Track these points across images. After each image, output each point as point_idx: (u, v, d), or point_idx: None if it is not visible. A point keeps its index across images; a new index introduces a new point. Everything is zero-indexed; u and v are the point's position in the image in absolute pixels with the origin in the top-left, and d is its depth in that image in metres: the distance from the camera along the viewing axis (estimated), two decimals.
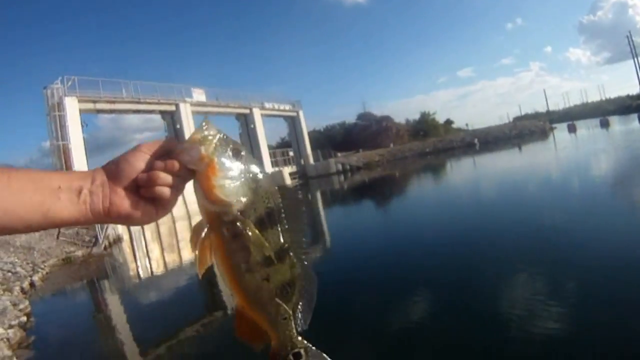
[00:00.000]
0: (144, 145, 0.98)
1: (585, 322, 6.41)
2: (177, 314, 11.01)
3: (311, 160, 54.07)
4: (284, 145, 63.96)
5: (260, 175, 1.03)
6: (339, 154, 56.35)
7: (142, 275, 17.44)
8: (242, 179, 0.99)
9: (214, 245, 1.00)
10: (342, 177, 47.30)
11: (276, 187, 1.05)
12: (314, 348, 1.10)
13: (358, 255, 12.14)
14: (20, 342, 10.38)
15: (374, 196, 29.62)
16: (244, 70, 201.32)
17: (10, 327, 11.11)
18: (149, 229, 24.96)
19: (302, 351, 1.09)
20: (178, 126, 40.77)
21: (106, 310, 13.17)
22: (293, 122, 56.37)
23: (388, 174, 44.72)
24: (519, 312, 7.07)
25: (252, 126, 48.29)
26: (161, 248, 22.08)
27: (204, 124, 1.00)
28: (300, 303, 1.10)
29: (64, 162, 30.25)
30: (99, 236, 22.46)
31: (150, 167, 0.94)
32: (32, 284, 16.22)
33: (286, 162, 53.17)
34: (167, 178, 0.93)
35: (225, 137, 1.00)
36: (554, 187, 18.63)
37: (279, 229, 1.03)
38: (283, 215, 1.03)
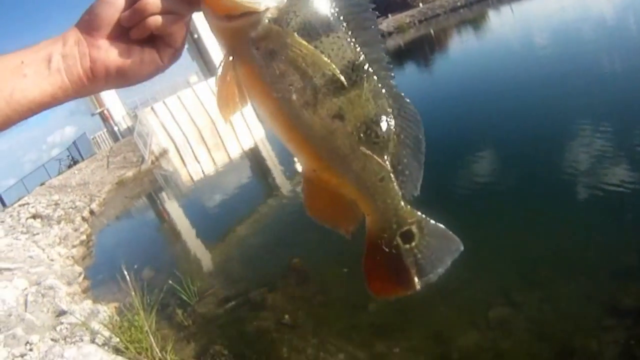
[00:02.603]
0: None
1: None
2: (236, 206, 10.97)
3: None
4: None
5: None
6: None
7: (194, 179, 17.29)
8: None
9: (244, 78, 0.70)
10: None
11: None
12: (431, 221, 0.79)
13: None
14: (83, 257, 10.91)
15: (415, 60, 27.37)
16: None
17: (73, 246, 11.62)
18: (192, 135, 24.66)
19: (413, 228, 0.78)
20: (195, 36, 38.71)
21: (167, 216, 13.23)
22: None
23: (423, 34, 41.82)
24: (585, 160, 6.45)
25: None
26: (207, 149, 21.67)
27: None
28: (403, 153, 0.76)
29: (96, 101, 29.89)
30: (144, 153, 22.21)
31: (131, 2, 0.70)
32: (91, 212, 16.50)
33: None
34: (158, 2, 0.69)
35: None
36: (605, 28, 15.74)
37: (342, 37, 0.70)
38: (344, 19, 0.71)
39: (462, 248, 0.80)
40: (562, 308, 3.99)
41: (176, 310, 5.88)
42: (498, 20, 34.87)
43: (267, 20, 0.67)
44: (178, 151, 23.15)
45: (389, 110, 0.73)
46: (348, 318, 4.76)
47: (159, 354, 4.62)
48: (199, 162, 20.05)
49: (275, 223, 8.54)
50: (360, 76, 0.70)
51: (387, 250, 0.77)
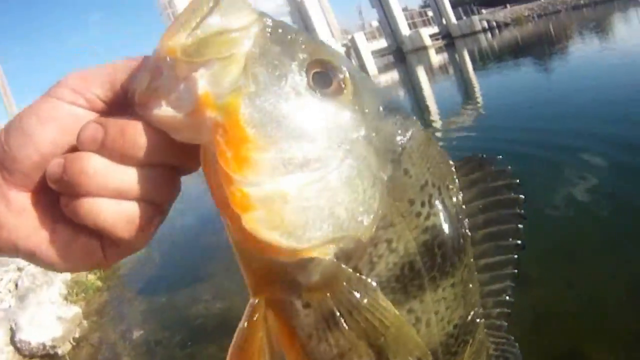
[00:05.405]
0: (72, 76, 0.45)
1: None
2: None
3: (453, 19, 49.56)
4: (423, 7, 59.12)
5: (404, 139, 0.45)
6: (483, 11, 51.54)
7: None
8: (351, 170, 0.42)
9: (277, 340, 0.44)
10: (489, 35, 43.38)
11: (449, 163, 0.48)
12: None
13: (518, 121, 10.29)
14: None
15: (533, 57, 26.73)
16: None
17: None
18: None
19: None
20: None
21: None
22: None
23: (541, 30, 40.26)
24: None
25: None
26: None
27: None
28: None
29: None
30: None
31: (70, 141, 0.43)
32: None
33: (425, 23, 49.26)
34: (109, 177, 0.41)
35: (276, 25, 0.42)
36: None
37: (458, 280, 0.45)
38: (467, 243, 0.46)
39: None
40: (578, 288, 3.74)
41: None
42: (624, 25, 32.99)
43: (333, 258, 0.39)
44: None
45: None
46: None
47: None
48: None
49: None
50: (464, 340, 0.48)
51: None
